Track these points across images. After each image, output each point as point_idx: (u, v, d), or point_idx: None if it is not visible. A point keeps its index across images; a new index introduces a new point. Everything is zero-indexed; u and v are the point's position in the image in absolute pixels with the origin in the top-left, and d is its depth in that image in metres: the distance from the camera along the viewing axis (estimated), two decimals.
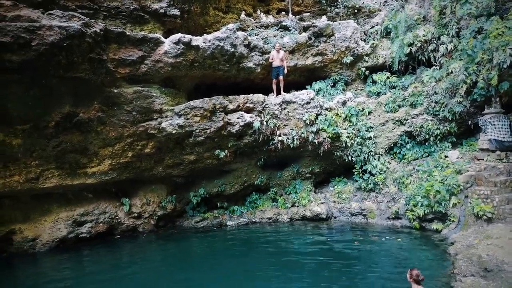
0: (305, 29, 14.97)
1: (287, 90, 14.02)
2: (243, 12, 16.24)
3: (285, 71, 13.55)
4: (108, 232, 12.80)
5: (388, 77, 14.80)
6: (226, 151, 13.06)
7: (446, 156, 12.96)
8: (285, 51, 14.12)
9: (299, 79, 15.25)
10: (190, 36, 11.67)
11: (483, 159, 11.65)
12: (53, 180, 11.12)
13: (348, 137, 13.76)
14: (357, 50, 14.87)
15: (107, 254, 11.22)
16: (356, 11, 17.11)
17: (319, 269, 9.06)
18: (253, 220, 14.30)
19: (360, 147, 13.94)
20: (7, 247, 11.22)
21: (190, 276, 9.06)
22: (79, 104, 10.43)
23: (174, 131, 11.93)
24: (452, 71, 12.67)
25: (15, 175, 10.43)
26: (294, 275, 8.69)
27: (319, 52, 14.76)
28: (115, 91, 10.90)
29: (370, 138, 14.08)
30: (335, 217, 14.12)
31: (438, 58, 13.66)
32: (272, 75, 13.69)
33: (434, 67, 13.70)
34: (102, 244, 12.00)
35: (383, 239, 11.27)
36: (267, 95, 13.74)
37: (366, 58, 15.12)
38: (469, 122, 12.82)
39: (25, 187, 10.72)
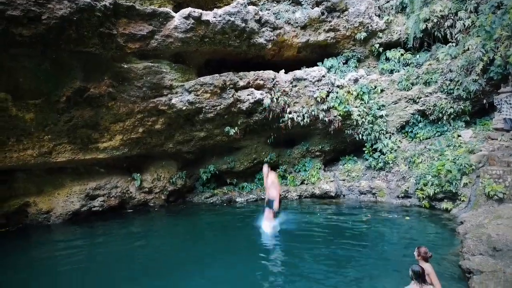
0: (317, 3, 14.57)
1: (298, 67, 13.80)
2: None
3: None
4: (120, 206, 13.09)
5: (402, 54, 14.48)
6: (236, 128, 13.04)
7: (459, 136, 12.77)
8: (296, 27, 13.85)
9: (311, 55, 14.98)
10: (200, 11, 11.46)
11: (497, 139, 11.45)
12: (66, 155, 11.29)
13: (359, 115, 13.61)
14: (371, 26, 14.47)
15: (119, 227, 11.47)
16: None
17: (327, 246, 9.10)
18: (262, 196, 14.33)
19: (371, 125, 13.79)
20: (22, 219, 11.60)
21: (200, 248, 9.27)
22: (90, 79, 10.45)
23: (184, 108, 11.93)
24: (468, 48, 12.33)
25: (28, 149, 10.60)
26: (302, 250, 8.79)
27: (331, 28, 14.42)
28: (125, 66, 10.87)
29: (381, 116, 13.90)
30: (344, 195, 14.17)
31: (455, 34, 13.27)
32: None
33: (450, 43, 13.34)
34: (114, 217, 12.26)
35: (391, 217, 11.29)
36: (278, 72, 13.58)
37: (380, 34, 14.72)
38: (484, 101, 12.55)
39: (38, 161, 10.91)
